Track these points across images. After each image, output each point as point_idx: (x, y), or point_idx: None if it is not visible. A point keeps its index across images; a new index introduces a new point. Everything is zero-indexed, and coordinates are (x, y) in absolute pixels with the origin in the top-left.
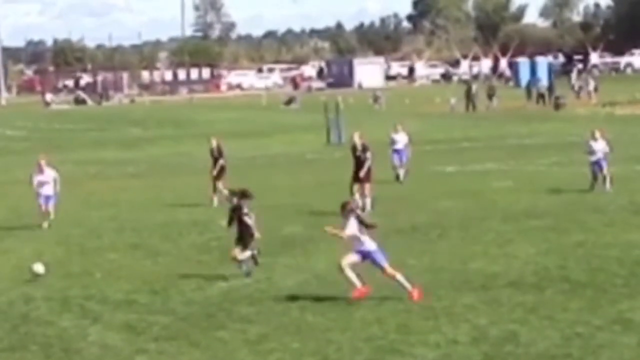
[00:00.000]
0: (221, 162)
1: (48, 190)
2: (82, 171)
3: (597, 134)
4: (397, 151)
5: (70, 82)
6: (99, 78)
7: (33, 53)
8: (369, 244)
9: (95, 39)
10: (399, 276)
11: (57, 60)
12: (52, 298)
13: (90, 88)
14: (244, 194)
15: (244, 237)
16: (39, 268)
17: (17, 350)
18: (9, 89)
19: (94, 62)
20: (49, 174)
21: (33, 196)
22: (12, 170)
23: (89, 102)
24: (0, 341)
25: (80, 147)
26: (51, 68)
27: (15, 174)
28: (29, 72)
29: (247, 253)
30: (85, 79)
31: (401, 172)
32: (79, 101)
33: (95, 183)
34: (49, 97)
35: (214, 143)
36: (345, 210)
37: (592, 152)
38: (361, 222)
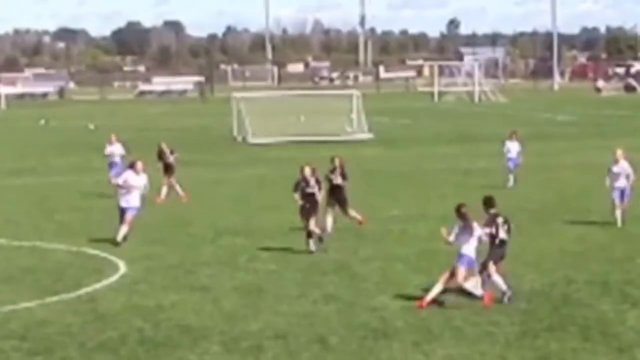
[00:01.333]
0: None
1: None
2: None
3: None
4: None
5: (620, 70)
6: None
7: (586, 40)
8: None
9: None
10: None
11: (609, 48)
12: (593, 281)
13: None
14: None
15: None
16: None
17: (556, 331)
18: (561, 74)
19: None
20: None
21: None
22: (561, 155)
23: (639, 89)
24: (541, 321)
25: (630, 134)
26: (603, 55)
27: (564, 159)
28: (582, 59)
29: None
30: (637, 67)
31: None
32: (629, 88)
33: None
34: (600, 83)
35: None
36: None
37: None
38: None
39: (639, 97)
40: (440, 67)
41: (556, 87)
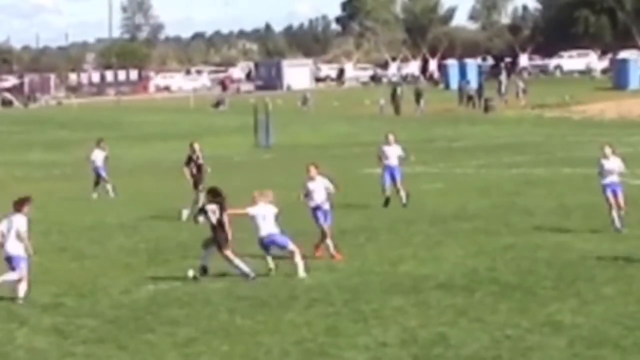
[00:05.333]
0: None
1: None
2: (8, 173)
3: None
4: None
5: None
6: (26, 80)
7: None
8: None
9: (22, 41)
10: None
11: None
12: None
13: (17, 90)
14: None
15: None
16: None
17: None
18: None
19: (20, 64)
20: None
21: None
22: None
23: (16, 103)
24: None
25: (6, 150)
26: None
27: None
28: None
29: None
30: (12, 81)
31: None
32: (5, 103)
33: (22, 185)
34: None
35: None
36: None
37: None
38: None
39: (15, 111)
40: None
41: None
